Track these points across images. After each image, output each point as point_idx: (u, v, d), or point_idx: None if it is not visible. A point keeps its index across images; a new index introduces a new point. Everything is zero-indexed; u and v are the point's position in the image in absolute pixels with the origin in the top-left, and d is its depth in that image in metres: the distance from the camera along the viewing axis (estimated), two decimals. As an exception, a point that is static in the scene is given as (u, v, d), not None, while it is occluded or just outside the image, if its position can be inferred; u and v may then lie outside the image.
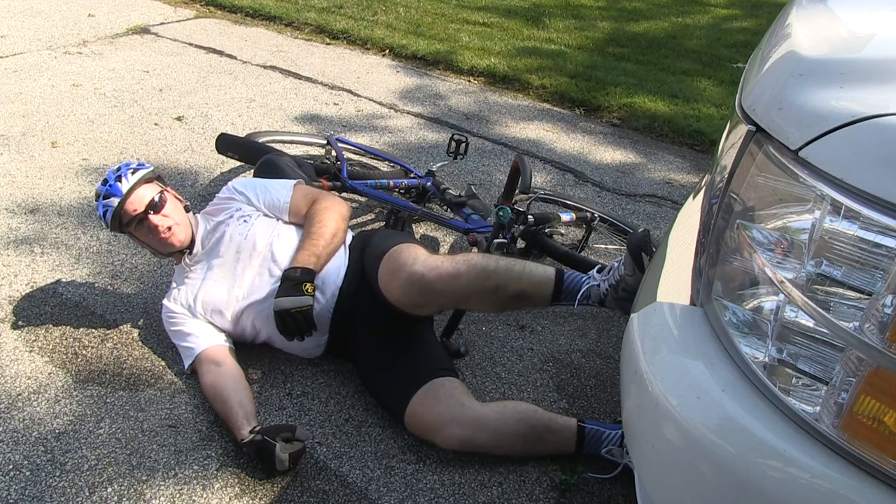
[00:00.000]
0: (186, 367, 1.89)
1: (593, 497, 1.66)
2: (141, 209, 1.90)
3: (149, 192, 1.93)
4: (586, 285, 1.74)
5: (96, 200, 1.94)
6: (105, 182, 1.92)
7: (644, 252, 1.61)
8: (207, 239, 2.00)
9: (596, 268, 1.79)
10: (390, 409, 1.81)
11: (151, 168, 2.00)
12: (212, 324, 1.93)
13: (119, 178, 1.91)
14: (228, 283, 1.92)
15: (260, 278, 1.91)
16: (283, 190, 2.06)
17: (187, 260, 1.99)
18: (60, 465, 1.64)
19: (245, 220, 1.99)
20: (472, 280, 1.70)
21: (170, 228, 1.92)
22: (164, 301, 1.97)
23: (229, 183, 2.13)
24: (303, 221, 2.00)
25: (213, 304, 1.91)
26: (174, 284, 1.99)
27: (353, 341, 1.92)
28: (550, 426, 1.72)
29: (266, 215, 2.03)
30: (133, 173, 1.93)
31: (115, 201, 1.89)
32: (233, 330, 1.94)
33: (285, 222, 2.03)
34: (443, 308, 1.92)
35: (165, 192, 1.97)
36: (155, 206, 1.91)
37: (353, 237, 2.07)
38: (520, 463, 1.72)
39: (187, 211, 2.02)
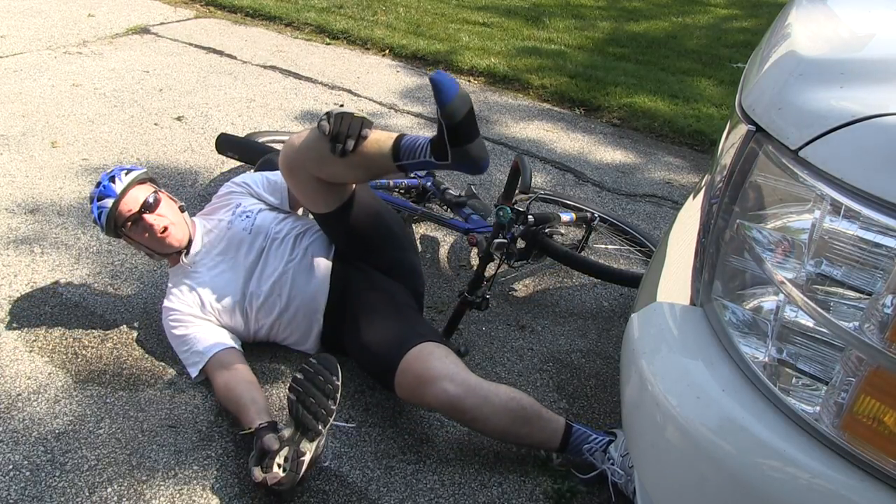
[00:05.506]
0: (194, 376, 1.87)
1: (593, 498, 1.66)
2: (136, 209, 1.90)
3: (142, 193, 1.93)
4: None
5: (90, 204, 1.94)
6: (98, 185, 1.93)
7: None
8: (208, 237, 2.01)
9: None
10: (381, 366, 1.75)
11: (144, 170, 2.01)
12: (216, 322, 1.92)
13: (112, 180, 1.92)
14: (232, 280, 1.93)
15: (263, 274, 1.92)
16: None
17: (185, 260, 1.98)
18: (60, 465, 1.64)
19: (247, 216, 2.00)
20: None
21: (166, 228, 1.92)
22: (166, 303, 1.95)
23: (227, 182, 2.15)
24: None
25: (217, 302, 1.91)
26: (172, 286, 1.98)
27: (347, 321, 1.90)
28: (541, 413, 1.69)
29: (268, 210, 2.04)
30: (126, 174, 1.94)
31: (109, 202, 1.90)
32: (237, 326, 1.94)
33: (285, 214, 2.03)
34: None
35: (159, 193, 1.98)
36: (149, 206, 1.92)
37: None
38: (520, 463, 1.72)
39: (182, 211, 2.02)
